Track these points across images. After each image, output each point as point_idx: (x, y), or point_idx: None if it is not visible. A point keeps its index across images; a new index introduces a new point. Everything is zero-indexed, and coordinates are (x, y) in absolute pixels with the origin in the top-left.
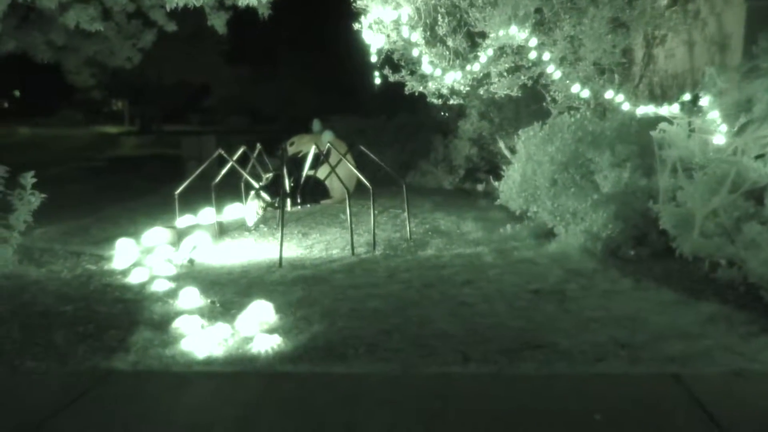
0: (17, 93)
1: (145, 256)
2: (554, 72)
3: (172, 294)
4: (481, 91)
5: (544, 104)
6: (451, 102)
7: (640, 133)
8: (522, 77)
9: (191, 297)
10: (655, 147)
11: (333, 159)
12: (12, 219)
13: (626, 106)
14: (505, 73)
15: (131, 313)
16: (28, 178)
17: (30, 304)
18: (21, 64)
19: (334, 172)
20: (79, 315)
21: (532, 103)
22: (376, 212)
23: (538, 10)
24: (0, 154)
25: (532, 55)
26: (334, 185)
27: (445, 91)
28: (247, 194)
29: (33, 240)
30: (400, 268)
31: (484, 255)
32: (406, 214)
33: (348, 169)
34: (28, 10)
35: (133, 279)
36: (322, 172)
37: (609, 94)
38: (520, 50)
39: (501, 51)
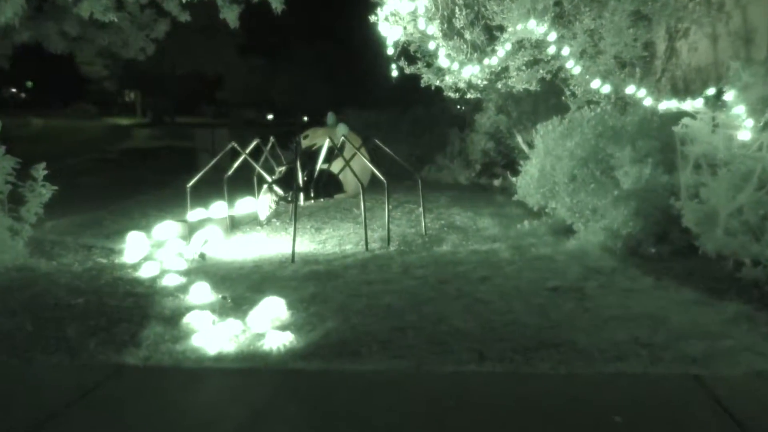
0: (30, 84)
1: (156, 249)
2: (574, 66)
3: (183, 289)
4: (499, 85)
5: (563, 98)
6: (469, 96)
7: (662, 128)
8: (541, 71)
9: (202, 292)
10: (677, 142)
11: (347, 153)
12: (23, 211)
13: (648, 101)
14: (523, 67)
15: (142, 307)
16: (40, 170)
17: (41, 296)
18: (35, 54)
19: (348, 166)
20: (90, 308)
21: (550, 97)
22: (390, 207)
23: (557, 3)
24: (12, 145)
25: (552, 49)
26: (348, 179)
27: (462, 84)
28: (259, 188)
29: (44, 232)
30: (415, 264)
31: (500, 251)
32: (421, 209)
33: (362, 162)
34: (42, 1)
35: (144, 273)
36: (336, 166)
37: (630, 89)
38: (539, 44)
39: (519, 45)
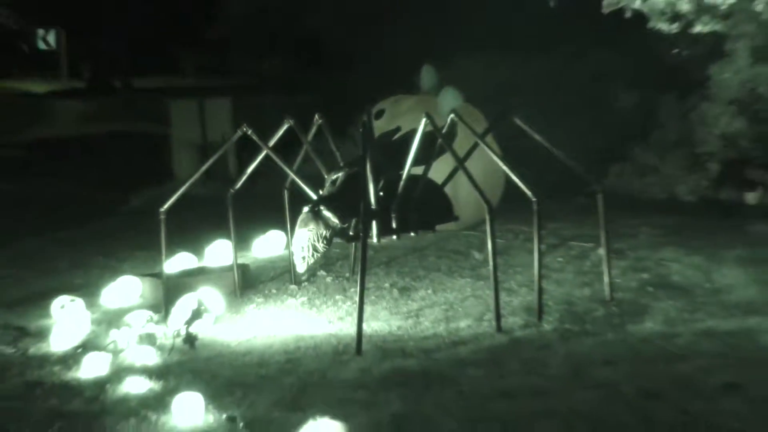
0: None
1: (106, 329)
2: None
3: (157, 402)
4: (760, 7)
5: None
6: (698, 29)
7: None
8: None
9: (192, 409)
10: None
11: (460, 144)
12: None
13: None
14: None
15: None
16: None
17: None
18: None
19: (461, 169)
20: None
21: None
22: (543, 247)
23: None
24: None
25: None
26: (461, 195)
27: (685, 7)
28: (294, 213)
29: None
30: (594, 360)
31: (763, 334)
32: (602, 251)
33: (489, 163)
34: None
35: (84, 372)
36: (439, 171)
37: None
38: None
39: None
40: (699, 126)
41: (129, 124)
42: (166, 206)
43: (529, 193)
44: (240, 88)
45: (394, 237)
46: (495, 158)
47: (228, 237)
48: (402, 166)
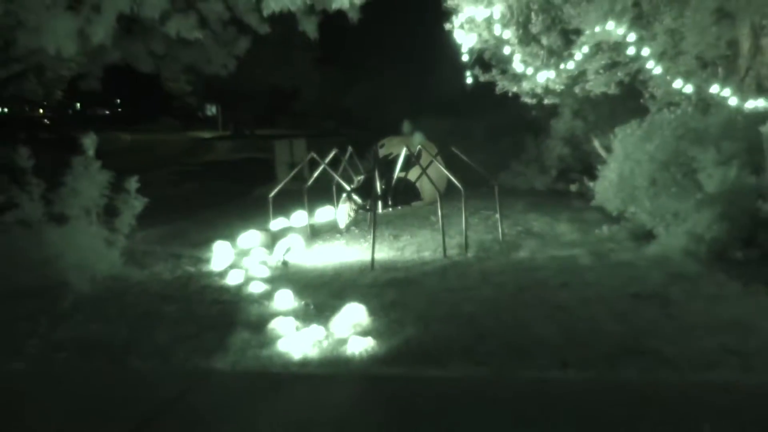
0: (119, 101)
1: (241, 258)
2: (654, 68)
3: (268, 296)
4: (576, 90)
5: (642, 101)
6: (545, 102)
7: (748, 128)
8: (619, 74)
9: (286, 299)
10: (765, 143)
11: (424, 161)
12: (118, 222)
13: (733, 101)
14: (601, 71)
15: (229, 314)
16: (133, 183)
17: (135, 304)
18: (123, 74)
19: (425, 174)
20: (180, 316)
21: (629, 100)
22: (467, 214)
23: (636, 4)
24: (104, 159)
25: (631, 51)
26: (424, 187)
27: (539, 90)
28: (338, 197)
29: (136, 243)
30: (494, 271)
31: (580, 257)
32: (498, 215)
33: (439, 170)
34: (131, 22)
35: (230, 281)
36: (412, 174)
37: (714, 89)
38: (618, 46)
39: (597, 48)
40: (545, 151)
41: (253, 153)
42: (272, 194)
43: (459, 186)
44: (309, 134)
45: (390, 209)
46: (441, 168)
47: (304, 209)
48: (393, 172)
